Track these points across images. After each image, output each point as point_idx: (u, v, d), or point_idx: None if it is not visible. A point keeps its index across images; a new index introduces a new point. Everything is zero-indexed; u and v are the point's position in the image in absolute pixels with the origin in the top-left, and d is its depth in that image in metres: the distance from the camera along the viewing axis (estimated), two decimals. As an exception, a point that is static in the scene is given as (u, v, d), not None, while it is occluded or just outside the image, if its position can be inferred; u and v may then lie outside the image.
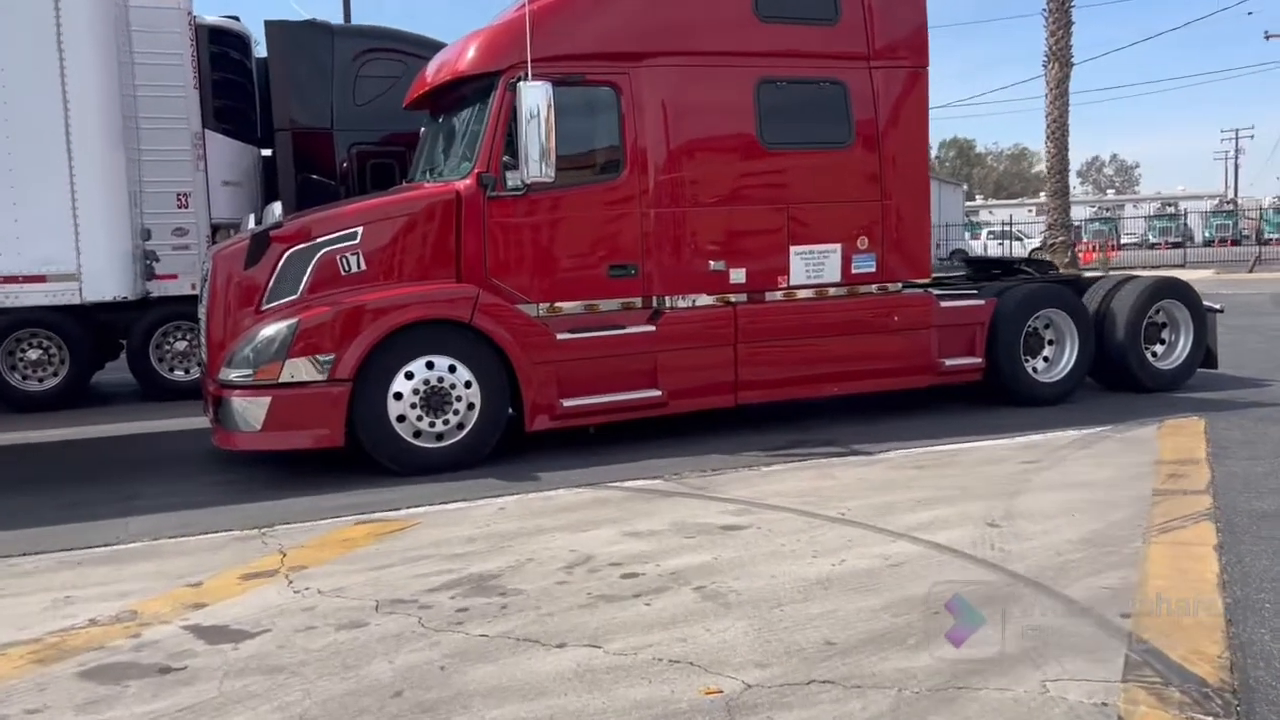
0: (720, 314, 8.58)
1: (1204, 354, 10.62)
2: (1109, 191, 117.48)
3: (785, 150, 8.72)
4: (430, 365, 7.66)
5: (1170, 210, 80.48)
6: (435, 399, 7.65)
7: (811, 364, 8.89)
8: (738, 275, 8.63)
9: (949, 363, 9.36)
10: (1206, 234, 66.16)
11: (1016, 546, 5.43)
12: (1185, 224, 66.46)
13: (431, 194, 8.13)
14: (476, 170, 7.91)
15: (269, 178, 13.38)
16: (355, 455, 7.70)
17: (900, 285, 9.37)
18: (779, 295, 8.88)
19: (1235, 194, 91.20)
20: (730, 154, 8.61)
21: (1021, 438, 8.31)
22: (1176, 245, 58.74)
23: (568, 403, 8.03)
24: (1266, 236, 62.92)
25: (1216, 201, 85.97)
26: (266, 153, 13.45)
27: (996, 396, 9.77)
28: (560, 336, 8.04)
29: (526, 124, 7.59)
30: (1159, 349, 10.55)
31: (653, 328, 8.30)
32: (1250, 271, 35.87)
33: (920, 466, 7.45)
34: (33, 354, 11.96)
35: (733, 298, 8.69)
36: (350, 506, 6.81)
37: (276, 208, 7.81)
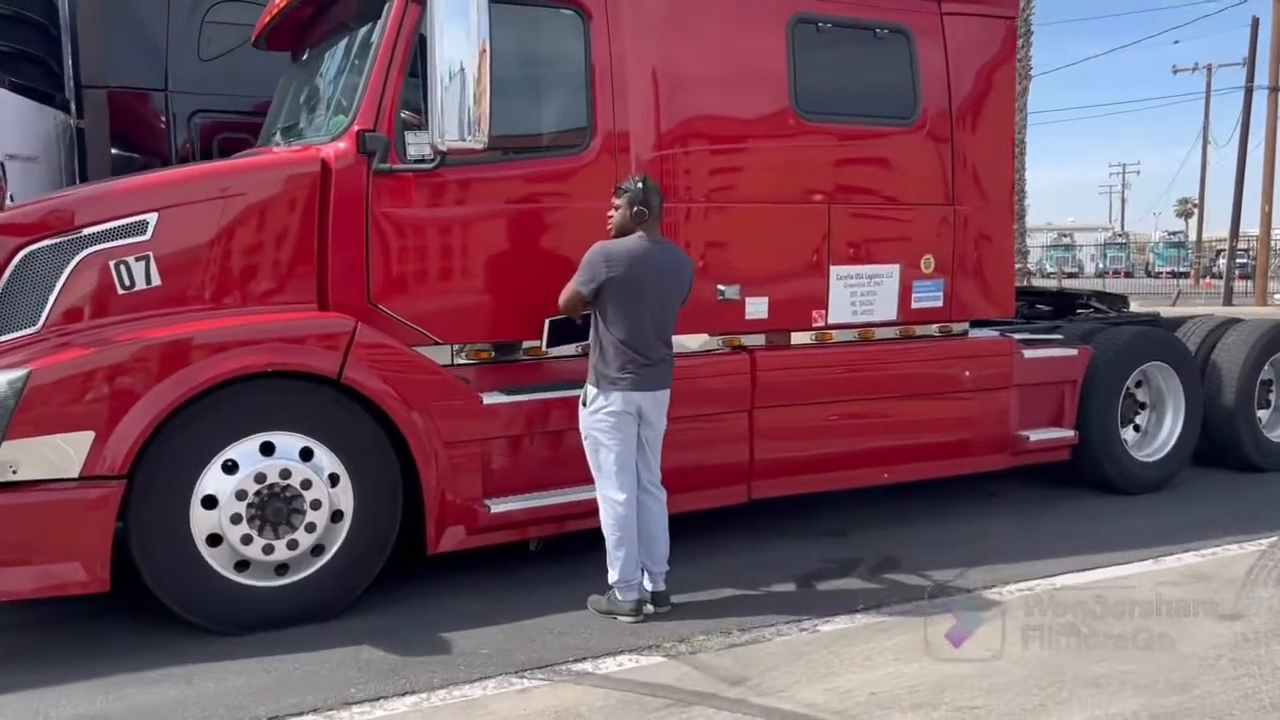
0: (730, 363, 5.69)
1: (1318, 422, 8.19)
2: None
3: (828, 124, 5.88)
4: (268, 449, 4.54)
5: (1066, 241, 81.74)
6: (276, 506, 4.54)
7: (854, 438, 6.07)
8: (756, 307, 5.75)
9: (1033, 437, 6.63)
10: (1100, 265, 67.05)
11: None
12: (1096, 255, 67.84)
13: (279, 163, 5.01)
14: (356, 127, 4.83)
15: (83, 154, 9.97)
16: (130, 600, 4.53)
17: (966, 326, 6.62)
18: (808, 337, 6.03)
19: (1123, 227, 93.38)
20: (752, 123, 5.72)
21: (1169, 560, 5.63)
22: (1071, 275, 59.25)
23: (498, 506, 4.99)
24: (1156, 269, 64.05)
25: (1109, 234, 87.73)
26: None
27: (1072, 476, 7.12)
28: (488, 400, 5.02)
29: (443, 57, 4.58)
30: (1263, 415, 8.06)
31: (629, 386, 5.35)
32: (1174, 305, 34.95)
33: (1064, 622, 4.66)
34: None
35: (746, 340, 5.82)
36: (97, 726, 3.66)
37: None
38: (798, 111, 5.75)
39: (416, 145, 4.85)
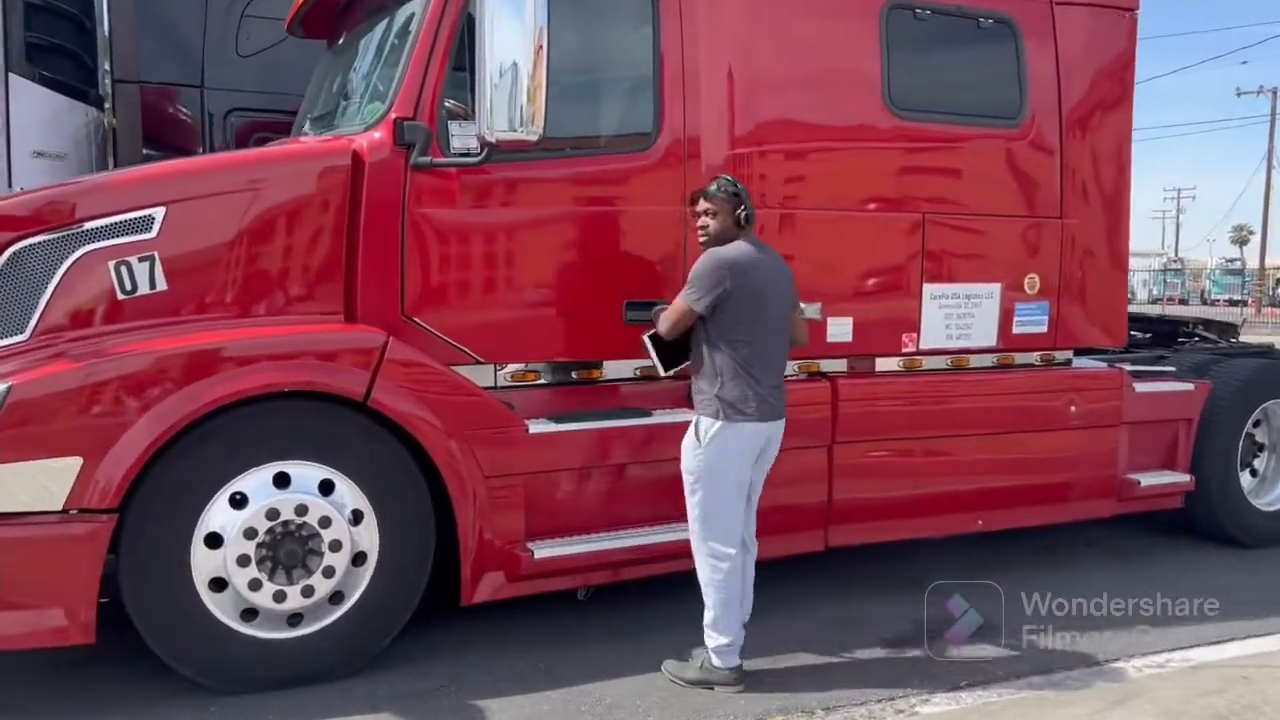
0: (808, 392, 4.99)
1: None
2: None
3: (925, 123, 5.20)
4: (283, 481, 3.95)
5: (1120, 267, 79.91)
6: (290, 547, 3.95)
7: (946, 479, 5.36)
8: (839, 329, 5.08)
9: (1144, 481, 5.87)
10: (1154, 291, 65.65)
11: None
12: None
13: (305, 154, 4.44)
14: (394, 115, 4.25)
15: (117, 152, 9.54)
16: (121, 647, 3.94)
17: (1070, 354, 5.90)
18: (895, 364, 5.35)
19: (1176, 253, 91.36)
20: (839, 120, 5.07)
21: (1315, 630, 4.88)
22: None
23: (543, 551, 4.35)
24: (1212, 297, 62.54)
25: (1164, 260, 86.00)
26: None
27: (1177, 524, 6.39)
28: (535, 429, 4.39)
29: (492, 36, 3.97)
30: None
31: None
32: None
33: (1214, 712, 3.93)
34: None
35: (826, 365, 5.15)
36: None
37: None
38: (891, 109, 5.08)
39: (462, 137, 4.25)
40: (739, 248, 4.02)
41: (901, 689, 4.10)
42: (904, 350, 5.27)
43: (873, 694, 4.05)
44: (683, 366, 4.24)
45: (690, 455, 4.06)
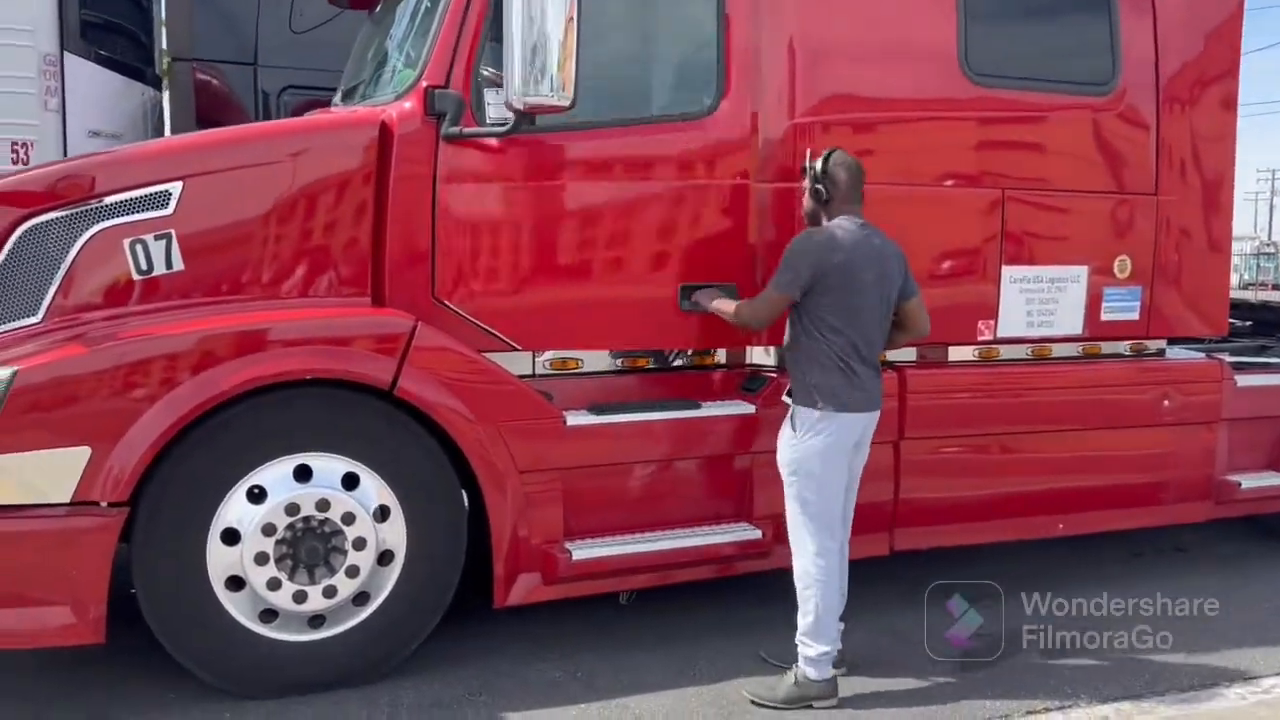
0: (873, 385, 4.62)
1: None
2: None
3: (1006, 90, 4.76)
4: (304, 474, 3.71)
5: (1208, 250, 76.90)
6: (311, 544, 3.71)
7: (1024, 479, 4.94)
8: (909, 315, 4.68)
9: (1246, 483, 5.37)
10: (1245, 276, 63.16)
11: None
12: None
13: (330, 126, 4.18)
14: (424, 83, 3.95)
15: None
16: (136, 644, 3.75)
17: (1163, 344, 5.42)
18: (970, 353, 4.93)
19: (1270, 236, 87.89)
20: (911, 88, 4.64)
21: None
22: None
23: (581, 552, 4.05)
24: (1306, 285, 59.79)
25: (1256, 244, 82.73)
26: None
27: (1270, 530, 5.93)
28: (574, 421, 4.08)
29: (521, 12, 3.64)
30: None
31: (751, 408, 4.35)
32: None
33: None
34: None
35: (893, 354, 4.75)
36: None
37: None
38: (968, 74, 4.65)
39: (496, 104, 3.95)
40: (833, 228, 3.82)
41: (969, 706, 3.72)
42: (980, 338, 4.85)
43: (938, 712, 3.69)
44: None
45: (786, 447, 3.84)
